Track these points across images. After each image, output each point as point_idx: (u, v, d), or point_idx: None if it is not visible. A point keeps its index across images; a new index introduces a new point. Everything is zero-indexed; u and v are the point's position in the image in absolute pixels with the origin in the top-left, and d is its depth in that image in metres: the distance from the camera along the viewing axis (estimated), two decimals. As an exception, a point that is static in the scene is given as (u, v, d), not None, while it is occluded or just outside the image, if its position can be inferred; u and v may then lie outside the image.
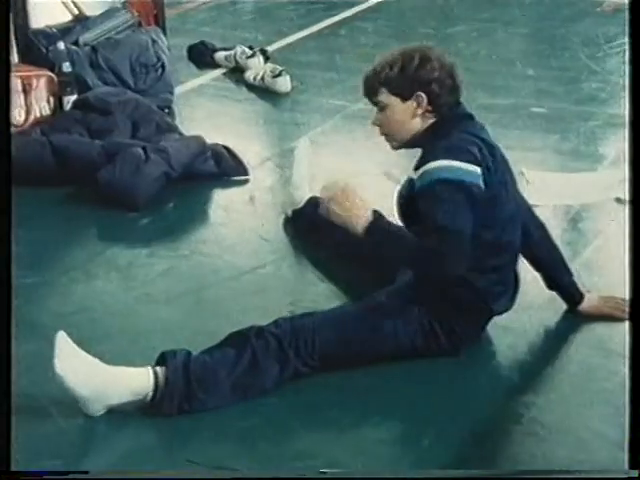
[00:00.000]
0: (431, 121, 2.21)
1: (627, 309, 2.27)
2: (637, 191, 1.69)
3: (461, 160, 2.10)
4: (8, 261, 1.65)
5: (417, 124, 2.22)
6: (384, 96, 2.22)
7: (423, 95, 2.19)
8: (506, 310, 2.30)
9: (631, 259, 1.68)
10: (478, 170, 2.10)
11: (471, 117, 2.26)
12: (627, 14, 1.78)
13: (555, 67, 4.39)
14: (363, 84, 2.27)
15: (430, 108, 2.20)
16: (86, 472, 1.80)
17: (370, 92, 2.26)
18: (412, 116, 2.21)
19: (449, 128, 2.18)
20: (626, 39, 1.78)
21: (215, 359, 2.10)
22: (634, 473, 1.67)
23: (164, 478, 1.89)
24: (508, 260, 2.26)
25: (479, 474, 1.88)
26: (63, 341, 2.03)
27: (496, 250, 2.21)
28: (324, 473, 1.87)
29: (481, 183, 2.10)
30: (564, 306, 2.44)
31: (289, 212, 2.90)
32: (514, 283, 2.30)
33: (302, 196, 2.84)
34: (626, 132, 1.71)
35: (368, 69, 2.27)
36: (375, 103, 2.26)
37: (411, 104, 2.20)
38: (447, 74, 2.21)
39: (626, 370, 1.67)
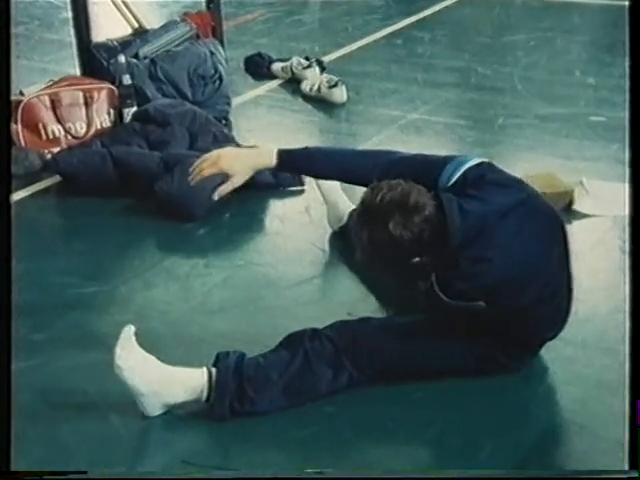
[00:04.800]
0: None
1: None
2: (637, 190, 1.69)
3: None
4: (8, 265, 1.67)
5: None
6: None
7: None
8: (558, 332, 2.25)
9: (631, 258, 1.68)
10: None
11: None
12: (627, 14, 1.76)
13: (616, 75, 4.32)
14: None
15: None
16: (84, 472, 1.81)
17: None
18: None
19: None
20: (626, 39, 1.76)
21: (268, 360, 2.12)
22: (634, 473, 1.65)
23: (164, 478, 1.91)
24: (542, 299, 2.12)
25: (481, 474, 1.86)
26: (127, 334, 2.06)
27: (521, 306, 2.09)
28: (321, 473, 1.86)
29: None
30: (625, 318, 2.38)
31: (336, 228, 2.91)
32: (561, 312, 2.21)
33: (344, 212, 2.85)
34: (626, 135, 1.70)
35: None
36: None
37: None
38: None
39: (626, 369, 1.66)
